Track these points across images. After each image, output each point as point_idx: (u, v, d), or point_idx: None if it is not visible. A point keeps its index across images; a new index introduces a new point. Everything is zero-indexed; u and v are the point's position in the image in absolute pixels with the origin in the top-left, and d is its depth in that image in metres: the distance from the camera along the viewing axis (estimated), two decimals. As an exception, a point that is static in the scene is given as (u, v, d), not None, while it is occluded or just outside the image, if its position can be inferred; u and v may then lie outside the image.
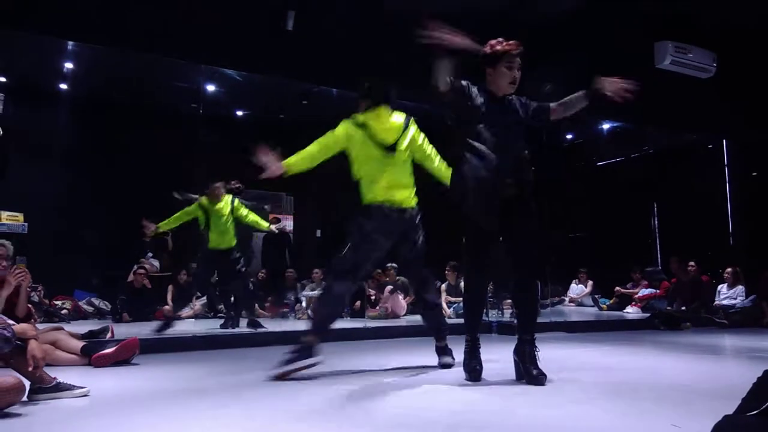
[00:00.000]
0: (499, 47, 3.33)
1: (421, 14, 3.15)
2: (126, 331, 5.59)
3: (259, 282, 8.75)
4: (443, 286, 8.34)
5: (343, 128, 3.88)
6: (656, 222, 11.29)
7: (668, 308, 8.37)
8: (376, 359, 4.52)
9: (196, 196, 6.64)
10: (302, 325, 6.58)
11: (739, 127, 9.53)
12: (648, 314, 8.00)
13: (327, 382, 3.47)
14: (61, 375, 3.15)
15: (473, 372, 3.41)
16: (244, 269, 6.65)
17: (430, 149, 4.07)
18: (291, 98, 9.06)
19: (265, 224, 6.82)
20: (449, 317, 7.74)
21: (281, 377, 3.55)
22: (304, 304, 8.44)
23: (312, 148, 3.86)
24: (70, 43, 7.11)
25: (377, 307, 8.22)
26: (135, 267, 8.12)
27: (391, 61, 7.22)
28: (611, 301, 9.96)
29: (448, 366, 3.89)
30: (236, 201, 6.55)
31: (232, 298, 7.09)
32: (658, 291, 9.30)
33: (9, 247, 4.18)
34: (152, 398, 3.12)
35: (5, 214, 7.74)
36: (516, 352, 3.41)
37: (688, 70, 8.10)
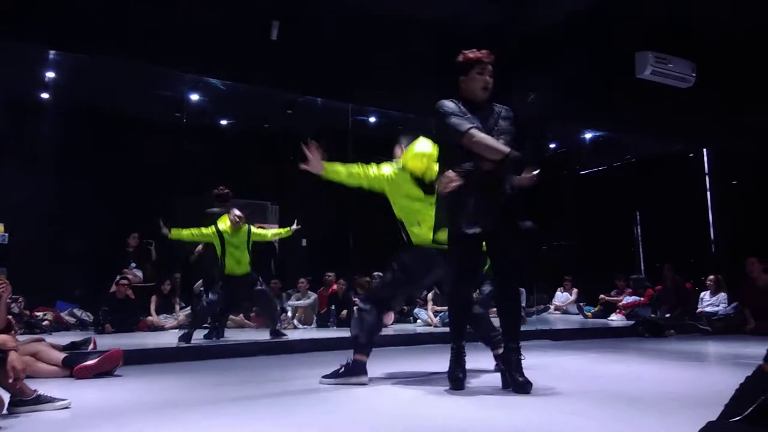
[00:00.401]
0: (471, 55, 3.45)
1: (411, 23, 3.19)
2: (109, 342, 5.53)
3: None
4: (429, 295, 8.33)
5: (390, 174, 3.83)
6: (639, 230, 11.40)
7: (652, 316, 8.43)
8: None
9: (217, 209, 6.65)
10: (288, 335, 6.60)
11: (718, 136, 9.68)
12: (632, 322, 8.05)
13: (309, 393, 3.45)
14: (42, 387, 3.11)
15: (456, 381, 3.41)
16: (263, 286, 6.59)
17: None
18: (275, 108, 9.06)
19: (285, 231, 6.84)
20: (435, 326, 7.74)
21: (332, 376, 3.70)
22: (290, 313, 8.40)
23: (355, 170, 3.82)
24: (52, 52, 7.06)
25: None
26: (118, 277, 8.04)
27: (375, 71, 7.27)
28: (596, 309, 10.00)
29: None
30: (252, 228, 6.52)
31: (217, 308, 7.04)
32: (642, 299, 9.37)
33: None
34: (135, 410, 3.08)
35: (-15, 224, 7.65)
36: (501, 360, 3.41)
37: (668, 80, 8.21)
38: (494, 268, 3.48)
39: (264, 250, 9.21)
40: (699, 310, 8.31)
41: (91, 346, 4.89)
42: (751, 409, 1.77)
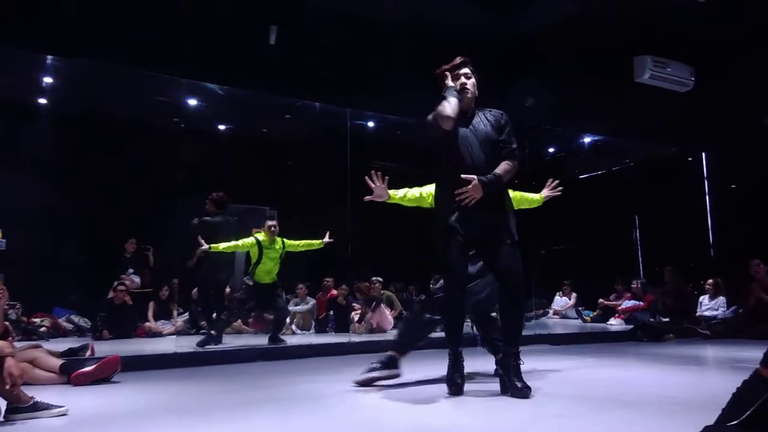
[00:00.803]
0: (444, 66, 3.58)
1: (409, 29, 3.22)
2: (107, 348, 5.51)
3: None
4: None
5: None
6: (638, 234, 11.40)
7: (651, 320, 8.43)
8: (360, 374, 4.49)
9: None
10: (287, 340, 6.59)
11: (717, 140, 9.69)
12: (631, 326, 8.05)
13: (308, 399, 3.44)
14: (39, 394, 3.10)
15: (455, 386, 3.40)
16: (282, 295, 6.85)
17: None
18: (274, 112, 9.06)
19: (318, 243, 6.86)
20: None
21: (364, 384, 3.76)
22: (288, 319, 8.38)
23: (409, 195, 3.98)
24: (49, 57, 7.06)
25: (362, 322, 8.18)
26: (116, 283, 8.02)
27: (373, 75, 7.27)
28: (595, 314, 10.01)
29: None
30: (285, 240, 6.71)
31: (213, 315, 7.04)
32: (641, 303, 9.38)
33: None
34: (132, 417, 3.07)
35: (-17, 230, 7.64)
36: (500, 365, 3.41)
37: (667, 84, 8.22)
38: (492, 267, 3.49)
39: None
40: (698, 314, 8.31)
41: (88, 353, 4.88)
42: (748, 413, 1.77)
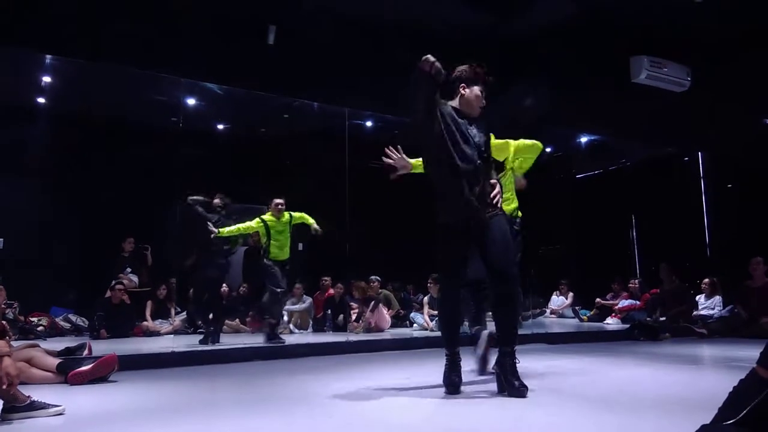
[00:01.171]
0: (480, 71, 3.57)
1: (402, 29, 3.21)
2: (104, 347, 5.50)
3: (240, 297, 8.69)
4: (425, 299, 8.34)
5: None
6: (635, 233, 11.42)
7: (648, 319, 8.43)
8: (357, 373, 4.50)
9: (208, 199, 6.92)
10: (285, 339, 6.58)
11: (713, 139, 9.71)
12: (628, 325, 8.06)
13: (306, 398, 3.44)
14: (36, 393, 3.10)
15: (452, 385, 3.42)
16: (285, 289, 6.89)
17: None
18: (272, 112, 9.05)
19: (311, 221, 6.96)
20: (432, 330, 7.74)
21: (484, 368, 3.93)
22: (285, 318, 8.37)
23: None
24: (47, 57, 7.05)
25: (359, 321, 8.18)
26: (113, 282, 8.02)
27: (370, 75, 7.27)
28: (591, 313, 10.02)
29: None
30: (294, 214, 6.87)
31: (211, 315, 7.03)
32: (638, 302, 9.38)
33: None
34: (130, 416, 3.07)
35: (-20, 229, 7.63)
36: (497, 364, 3.41)
37: (663, 84, 8.24)
38: (487, 267, 3.43)
39: (259, 256, 9.21)
40: (694, 313, 8.32)
41: (86, 352, 4.87)
42: (744, 412, 1.78)
